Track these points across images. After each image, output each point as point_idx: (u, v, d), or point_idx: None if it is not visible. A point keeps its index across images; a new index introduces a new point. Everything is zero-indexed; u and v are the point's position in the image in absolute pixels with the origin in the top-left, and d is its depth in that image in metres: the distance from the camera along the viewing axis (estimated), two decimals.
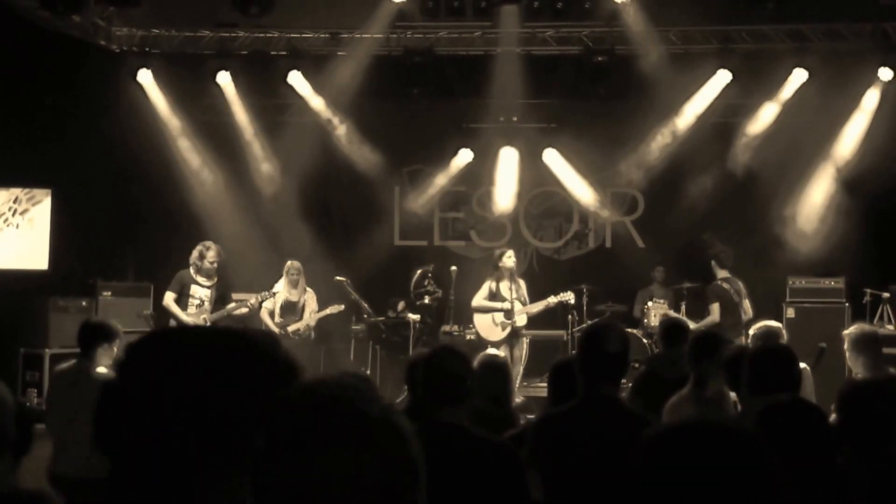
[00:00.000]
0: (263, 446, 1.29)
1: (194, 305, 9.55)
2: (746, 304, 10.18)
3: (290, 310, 10.35)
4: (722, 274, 10.31)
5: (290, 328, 10.24)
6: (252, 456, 1.26)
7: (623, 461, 1.63)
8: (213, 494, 1.23)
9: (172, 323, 9.41)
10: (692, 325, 10.21)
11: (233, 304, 9.89)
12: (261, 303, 10.08)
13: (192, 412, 1.22)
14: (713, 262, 10.40)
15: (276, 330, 10.07)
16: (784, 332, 6.54)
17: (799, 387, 4.12)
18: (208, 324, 9.19)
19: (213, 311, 9.64)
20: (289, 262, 10.45)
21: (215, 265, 9.58)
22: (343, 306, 10.73)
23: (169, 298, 9.52)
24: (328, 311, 10.48)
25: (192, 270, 9.57)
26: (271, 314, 10.36)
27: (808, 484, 2.69)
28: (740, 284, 10.26)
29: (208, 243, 9.68)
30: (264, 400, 1.25)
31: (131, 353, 1.29)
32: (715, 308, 10.09)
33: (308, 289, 10.48)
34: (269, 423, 1.30)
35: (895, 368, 6.11)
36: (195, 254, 9.56)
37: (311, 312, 10.40)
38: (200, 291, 9.59)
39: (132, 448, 1.25)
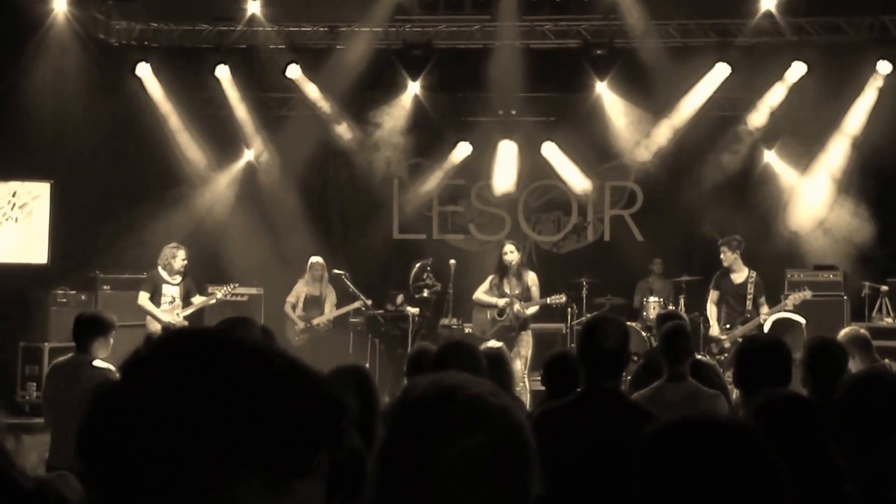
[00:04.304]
0: (387, 435, 1.35)
1: (167, 303, 9.91)
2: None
3: (313, 304, 11.04)
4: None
5: (314, 321, 10.99)
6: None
7: (624, 454, 1.63)
8: None
9: (150, 321, 9.77)
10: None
11: (198, 299, 10.13)
12: (224, 296, 10.50)
13: (194, 425, 1.10)
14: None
15: (302, 324, 10.95)
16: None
17: (789, 381, 4.09)
18: (181, 318, 9.78)
19: (183, 306, 10.00)
20: (312, 259, 11.13)
21: (186, 263, 9.98)
22: (370, 301, 11.18)
23: (144, 298, 9.84)
24: (350, 307, 11.16)
25: (162, 270, 9.91)
26: (294, 307, 11.04)
27: (804, 478, 2.69)
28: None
29: (175, 244, 10.06)
30: (270, 410, 1.15)
31: (135, 364, 1.17)
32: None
33: (329, 283, 11.17)
34: (393, 412, 1.37)
35: (894, 361, 6.13)
36: (166, 255, 9.92)
37: (332, 305, 11.09)
38: (171, 289, 9.96)
39: (124, 461, 1.10)
